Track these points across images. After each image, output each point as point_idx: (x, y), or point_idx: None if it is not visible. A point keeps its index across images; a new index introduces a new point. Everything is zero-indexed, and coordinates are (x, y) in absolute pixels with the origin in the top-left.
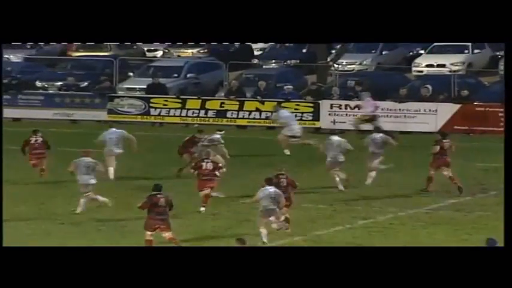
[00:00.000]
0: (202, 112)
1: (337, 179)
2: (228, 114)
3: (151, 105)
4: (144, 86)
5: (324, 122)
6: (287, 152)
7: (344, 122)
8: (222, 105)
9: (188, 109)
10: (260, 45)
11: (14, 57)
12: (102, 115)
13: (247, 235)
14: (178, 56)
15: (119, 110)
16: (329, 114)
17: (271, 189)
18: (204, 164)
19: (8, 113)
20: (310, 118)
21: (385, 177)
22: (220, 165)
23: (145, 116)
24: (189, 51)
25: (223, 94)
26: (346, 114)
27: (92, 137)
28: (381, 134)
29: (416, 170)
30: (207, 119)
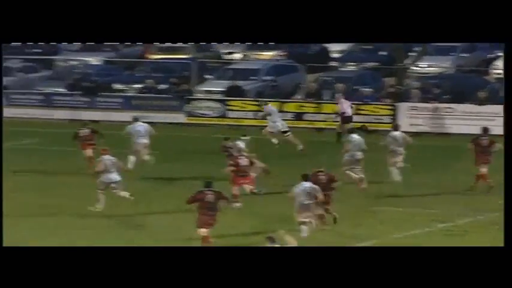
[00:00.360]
0: (280, 115)
1: (353, 176)
2: (306, 117)
3: (228, 107)
4: (222, 89)
5: (402, 125)
6: (275, 140)
7: (422, 125)
8: (300, 107)
9: None
10: (338, 47)
11: (93, 59)
12: (180, 117)
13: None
14: (256, 58)
15: (196, 113)
16: (407, 116)
17: (307, 184)
18: (240, 160)
19: (87, 115)
20: (388, 121)
21: (462, 180)
22: (253, 160)
23: (222, 118)
24: (268, 53)
25: (300, 96)
26: (425, 117)
27: (170, 139)
28: (400, 132)
29: (493, 174)
30: (284, 121)
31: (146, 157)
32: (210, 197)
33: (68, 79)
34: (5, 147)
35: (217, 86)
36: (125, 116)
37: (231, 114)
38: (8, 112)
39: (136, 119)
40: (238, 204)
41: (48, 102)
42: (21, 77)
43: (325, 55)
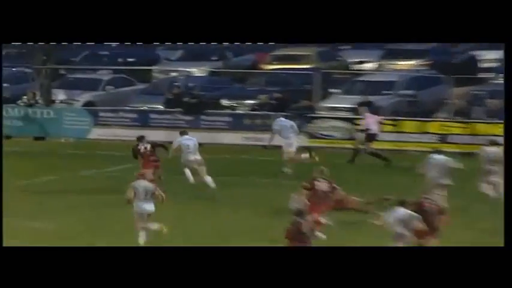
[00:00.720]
0: (420, 136)
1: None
2: (452, 139)
3: (358, 128)
4: (350, 105)
5: None
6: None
7: None
8: (445, 127)
9: (403, 132)
10: (492, 56)
11: (197, 70)
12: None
13: None
14: (392, 69)
15: (319, 134)
16: None
17: (401, 211)
18: (317, 183)
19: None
20: None
21: None
22: (334, 185)
23: (350, 141)
24: (406, 62)
25: (445, 115)
26: None
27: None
28: (496, 148)
29: None
30: (425, 144)
31: (207, 178)
32: (305, 225)
33: (167, 94)
34: (91, 174)
35: (345, 102)
36: (236, 137)
37: (360, 136)
38: (95, 133)
39: (184, 133)
40: (319, 234)
41: (142, 121)
42: (110, 91)
43: (475, 65)
